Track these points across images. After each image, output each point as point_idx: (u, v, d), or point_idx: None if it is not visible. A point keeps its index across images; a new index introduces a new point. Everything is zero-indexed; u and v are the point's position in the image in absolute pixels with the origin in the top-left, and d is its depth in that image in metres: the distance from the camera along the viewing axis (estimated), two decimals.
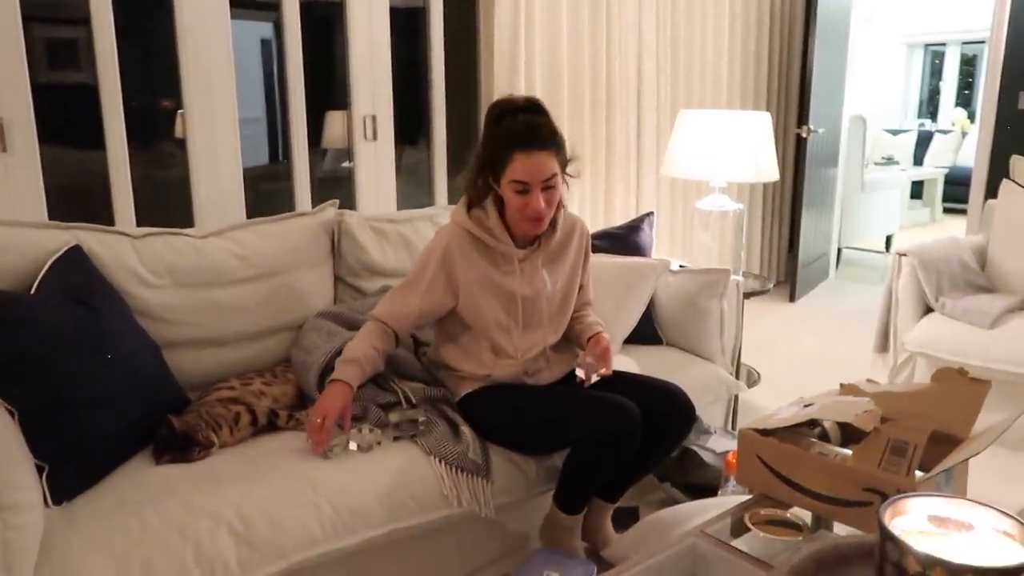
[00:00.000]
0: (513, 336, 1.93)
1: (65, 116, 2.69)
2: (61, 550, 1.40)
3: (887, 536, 0.96)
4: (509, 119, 1.81)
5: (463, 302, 1.90)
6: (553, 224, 1.94)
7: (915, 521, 1.04)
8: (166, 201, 2.90)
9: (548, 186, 1.80)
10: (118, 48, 2.47)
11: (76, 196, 2.73)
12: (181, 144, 2.70)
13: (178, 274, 2.03)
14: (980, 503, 1.03)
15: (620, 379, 2.00)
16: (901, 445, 1.29)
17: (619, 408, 1.74)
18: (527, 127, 1.79)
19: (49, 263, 1.81)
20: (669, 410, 1.89)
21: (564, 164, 1.86)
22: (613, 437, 1.72)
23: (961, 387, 1.46)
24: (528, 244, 1.94)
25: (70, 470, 1.55)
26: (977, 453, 1.26)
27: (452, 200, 3.38)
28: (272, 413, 1.88)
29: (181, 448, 1.70)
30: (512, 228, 1.90)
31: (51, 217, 2.36)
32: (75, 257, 1.86)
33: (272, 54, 3.31)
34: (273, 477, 1.66)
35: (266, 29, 3.33)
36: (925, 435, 1.29)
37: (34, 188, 2.34)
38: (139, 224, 2.57)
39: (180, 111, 2.67)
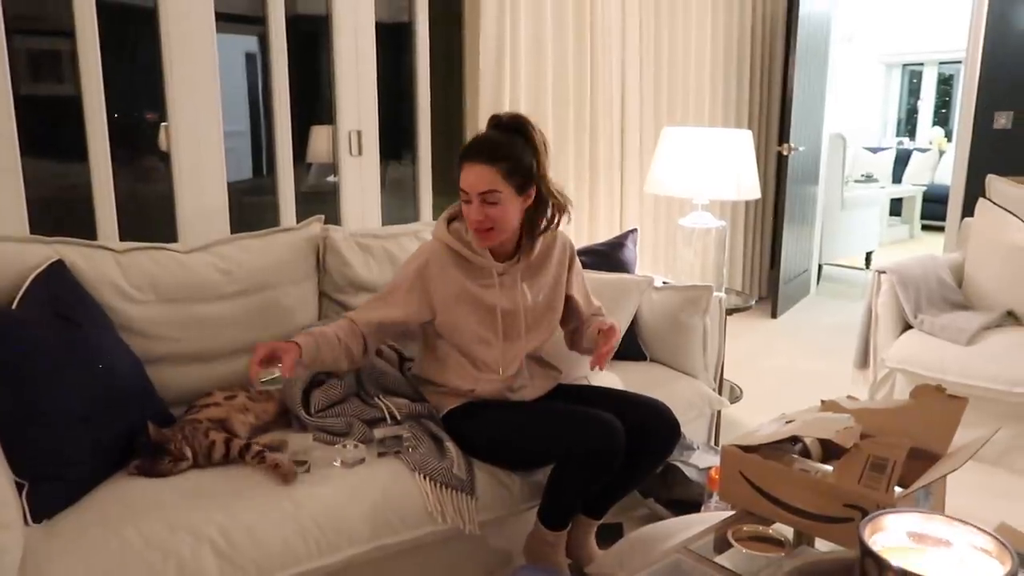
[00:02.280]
0: (494, 349, 1.94)
1: (48, 128, 2.67)
2: (41, 569, 1.38)
3: (867, 552, 0.97)
4: (473, 139, 1.88)
5: (441, 317, 1.91)
6: (531, 237, 1.95)
7: (894, 537, 1.05)
8: (150, 215, 2.89)
9: (489, 201, 1.81)
10: (102, 60, 2.46)
11: (58, 209, 2.70)
12: (165, 157, 2.70)
13: (162, 289, 2.02)
14: (958, 520, 1.04)
15: (604, 395, 2.01)
16: (880, 461, 1.31)
17: (602, 424, 1.75)
18: (476, 140, 1.86)
19: (31, 278, 1.80)
20: (654, 426, 1.91)
21: (520, 184, 1.84)
22: (596, 453, 1.73)
23: (939, 404, 1.48)
24: (507, 258, 1.96)
25: (50, 487, 1.54)
26: (955, 469, 1.28)
27: (437, 216, 3.39)
28: (243, 447, 1.80)
29: (151, 457, 1.67)
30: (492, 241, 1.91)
31: (33, 231, 2.34)
32: (57, 272, 1.85)
33: (257, 68, 3.31)
34: (256, 494, 1.65)
35: (251, 43, 3.33)
36: (904, 451, 1.31)
37: (16, 201, 2.33)
38: (122, 238, 2.55)
39: (164, 124, 2.66)
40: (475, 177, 1.80)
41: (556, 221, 1.97)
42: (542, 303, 2.00)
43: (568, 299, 2.08)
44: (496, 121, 1.88)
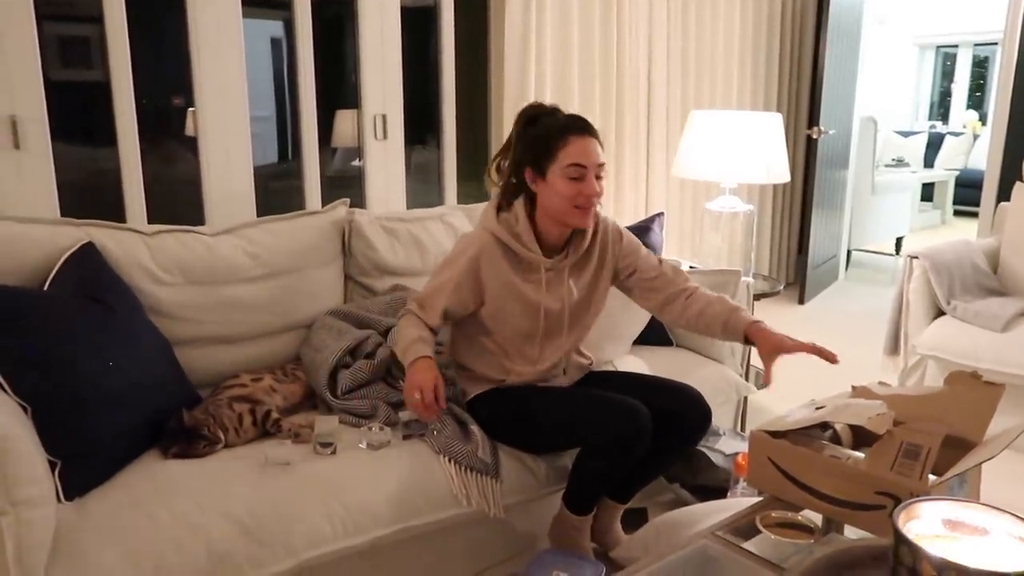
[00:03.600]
0: (534, 344, 1.92)
1: (78, 113, 2.70)
2: (73, 546, 1.41)
3: (901, 540, 0.96)
4: (547, 119, 1.83)
5: (488, 307, 1.89)
6: (584, 232, 1.92)
7: (929, 525, 1.03)
8: (177, 199, 2.91)
9: (598, 175, 1.81)
10: (131, 46, 2.47)
11: (88, 193, 2.74)
12: (192, 142, 2.71)
13: (190, 272, 2.04)
14: (994, 507, 1.02)
15: (631, 380, 2.00)
16: (914, 448, 1.28)
17: (629, 410, 1.74)
18: (577, 117, 1.84)
19: (62, 260, 1.82)
20: (683, 412, 1.88)
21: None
22: (622, 439, 1.72)
23: (974, 391, 1.45)
24: (556, 252, 1.92)
25: (82, 466, 1.56)
26: (991, 457, 1.26)
27: (462, 200, 3.38)
28: (265, 415, 1.86)
29: (187, 441, 1.70)
30: (549, 228, 1.87)
31: (63, 214, 2.37)
32: (88, 254, 1.87)
33: (283, 52, 3.32)
34: (283, 475, 1.66)
35: (276, 28, 3.34)
36: (939, 439, 1.28)
37: (47, 185, 2.35)
38: (150, 222, 2.57)
39: (191, 109, 2.68)
40: (592, 149, 1.80)
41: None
42: (585, 298, 1.96)
43: (633, 275, 1.98)
44: (554, 108, 1.87)
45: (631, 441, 1.72)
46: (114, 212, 2.54)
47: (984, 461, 1.28)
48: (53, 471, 1.51)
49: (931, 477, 1.27)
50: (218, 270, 2.08)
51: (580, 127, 1.80)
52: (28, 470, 1.35)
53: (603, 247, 1.97)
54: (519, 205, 1.87)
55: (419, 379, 1.74)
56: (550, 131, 1.81)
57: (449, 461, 1.79)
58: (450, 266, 1.87)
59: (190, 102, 2.67)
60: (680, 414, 1.88)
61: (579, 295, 1.94)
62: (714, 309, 1.92)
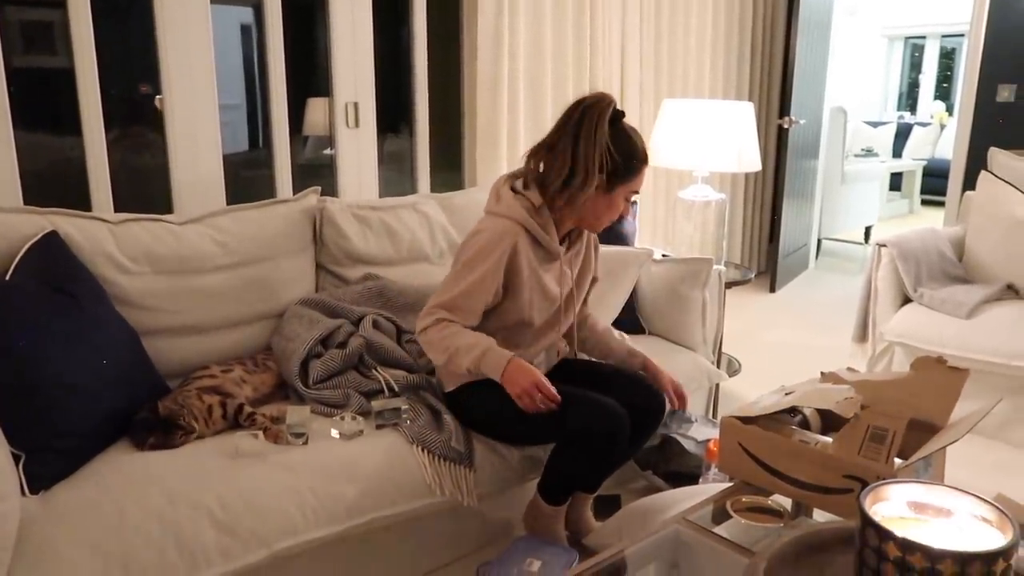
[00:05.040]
0: (529, 335, 1.92)
1: (41, 100, 2.64)
2: (39, 540, 1.38)
3: (867, 522, 0.97)
4: (631, 133, 1.83)
5: (516, 297, 1.84)
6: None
7: (895, 507, 1.05)
8: (145, 187, 2.86)
9: None
10: (95, 32, 2.42)
11: (52, 182, 2.68)
12: (160, 130, 2.66)
13: (157, 261, 2.00)
14: (958, 489, 1.04)
15: (592, 370, 2.01)
16: (880, 432, 1.30)
17: (607, 411, 1.74)
18: (644, 143, 1.86)
19: (24, 248, 1.78)
20: (639, 405, 1.90)
21: None
22: (601, 438, 1.73)
23: (940, 376, 1.47)
24: (561, 242, 1.93)
25: (47, 458, 1.53)
26: (955, 440, 1.28)
27: (435, 188, 3.37)
28: (238, 409, 1.84)
29: (164, 432, 1.68)
30: (564, 223, 1.88)
31: (27, 203, 2.32)
32: (51, 243, 1.83)
33: (252, 40, 3.27)
34: (254, 466, 1.64)
35: (246, 14, 3.29)
36: (904, 422, 1.30)
37: (9, 173, 2.30)
38: (117, 211, 2.53)
39: (159, 96, 2.63)
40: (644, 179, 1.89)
41: None
42: (577, 288, 2.00)
43: (593, 281, 2.08)
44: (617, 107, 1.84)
45: (609, 441, 1.73)
46: (79, 201, 2.49)
47: (948, 444, 1.30)
48: (17, 464, 1.48)
49: (897, 460, 1.29)
50: (186, 259, 2.05)
51: (646, 157, 1.87)
52: None
53: (588, 244, 2.03)
54: (534, 194, 1.82)
55: (529, 378, 1.71)
56: (637, 154, 1.82)
57: (422, 450, 1.79)
58: (479, 263, 1.77)
59: (157, 89, 2.62)
60: (637, 406, 1.89)
61: (574, 284, 1.98)
62: (615, 339, 2.12)
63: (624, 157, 1.79)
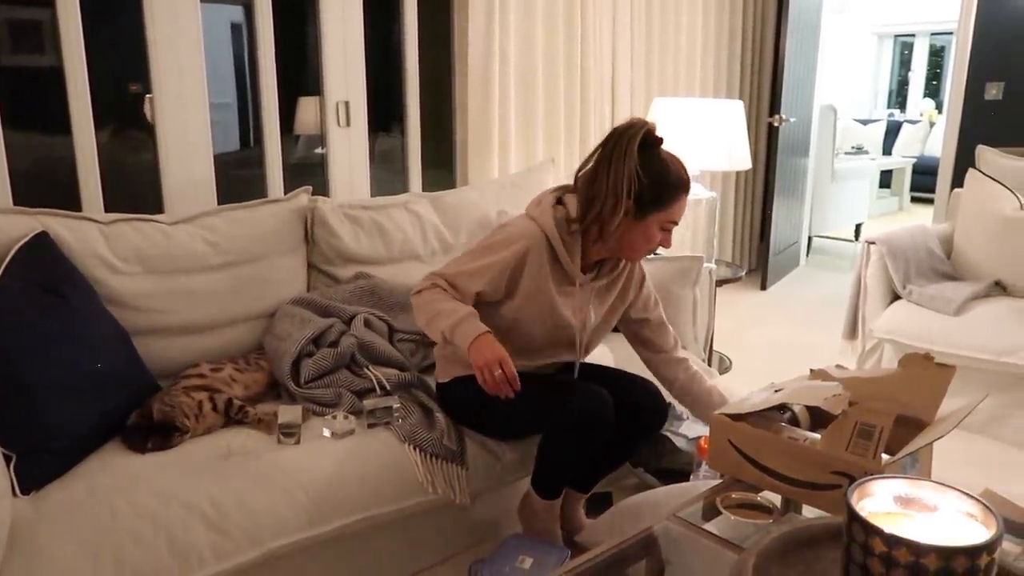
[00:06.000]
0: (535, 347, 1.90)
1: (30, 100, 2.63)
2: (31, 540, 1.38)
3: (854, 517, 0.98)
4: (658, 151, 1.77)
5: (512, 304, 1.83)
6: (618, 260, 1.92)
7: (882, 503, 1.06)
8: (135, 187, 2.86)
9: None
10: (84, 30, 2.41)
11: (42, 181, 2.67)
12: (150, 129, 2.66)
13: (148, 261, 2.00)
14: (944, 485, 1.05)
15: (595, 371, 2.01)
16: (868, 428, 1.32)
17: (590, 395, 1.75)
18: (687, 171, 1.80)
19: (14, 249, 1.78)
20: (643, 405, 1.90)
21: None
22: (585, 422, 1.73)
23: (927, 372, 1.49)
24: (588, 270, 1.89)
25: (38, 459, 1.53)
26: (941, 436, 1.29)
27: (427, 187, 3.37)
28: (228, 403, 1.85)
29: (161, 435, 1.68)
30: (595, 249, 1.84)
31: (16, 203, 2.31)
32: (42, 243, 1.83)
33: (243, 38, 3.26)
34: (246, 465, 1.65)
35: (236, 13, 3.28)
36: (891, 418, 1.31)
37: None
38: (107, 211, 2.52)
39: (149, 95, 2.62)
40: (684, 208, 1.82)
41: None
42: (600, 326, 1.95)
43: (643, 322, 2.01)
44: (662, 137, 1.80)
45: (594, 426, 1.74)
46: (69, 201, 2.49)
47: (935, 440, 1.32)
48: (8, 465, 1.48)
49: (884, 456, 1.30)
50: (177, 259, 2.05)
51: (688, 187, 1.80)
52: None
53: (627, 282, 1.96)
54: (571, 209, 1.80)
55: (495, 353, 1.65)
56: (669, 180, 1.76)
57: (414, 449, 1.79)
58: (493, 251, 1.78)
59: (147, 88, 2.62)
60: (639, 408, 1.89)
61: (596, 321, 1.93)
62: (716, 402, 1.96)
63: (654, 181, 1.74)
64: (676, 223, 1.81)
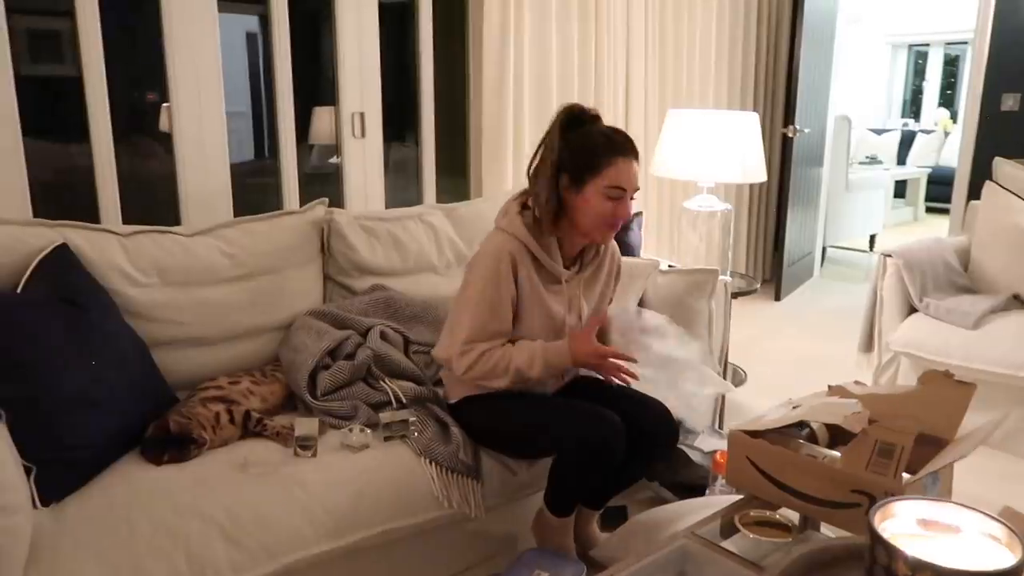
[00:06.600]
0: None
1: (49, 109, 2.65)
2: (51, 552, 1.39)
3: (877, 540, 0.97)
4: (592, 127, 1.80)
5: (516, 312, 1.84)
6: (598, 247, 1.93)
7: (904, 524, 1.06)
8: (151, 196, 2.88)
9: (632, 197, 1.81)
10: (103, 40, 2.43)
11: (60, 191, 2.70)
12: (167, 139, 2.68)
13: (166, 273, 2.02)
14: (967, 506, 1.04)
15: (607, 392, 2.00)
16: (888, 447, 1.31)
17: (601, 419, 1.74)
18: (624, 136, 1.80)
19: (35, 262, 1.79)
20: (653, 428, 1.88)
21: None
22: (594, 447, 1.72)
23: (947, 390, 1.48)
24: (570, 264, 1.91)
25: (58, 471, 1.54)
26: (964, 455, 1.28)
27: (441, 196, 3.38)
28: (246, 415, 1.86)
29: (178, 448, 1.69)
30: (569, 239, 1.86)
31: (35, 212, 2.33)
32: (62, 255, 1.84)
33: (258, 48, 3.29)
34: (263, 478, 1.65)
35: (251, 22, 3.31)
36: (912, 437, 1.31)
37: (19, 182, 2.31)
38: (124, 220, 2.54)
39: (166, 104, 2.65)
40: (635, 173, 1.79)
41: None
42: (593, 315, 1.96)
43: (608, 302, 2.05)
44: (595, 115, 1.83)
45: (605, 451, 1.73)
46: (87, 210, 2.51)
47: (956, 460, 1.31)
48: (28, 476, 1.49)
49: (905, 475, 1.29)
50: (195, 271, 2.06)
51: (627, 149, 1.78)
52: (3, 476, 1.33)
53: (610, 270, 2.00)
54: (543, 211, 1.81)
55: (590, 348, 1.76)
56: (598, 145, 1.77)
57: (430, 463, 1.79)
58: (490, 283, 1.78)
59: (164, 97, 2.64)
60: (649, 430, 1.87)
61: (590, 311, 1.95)
62: None
63: (582, 149, 1.77)
64: (623, 188, 1.77)
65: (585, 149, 1.77)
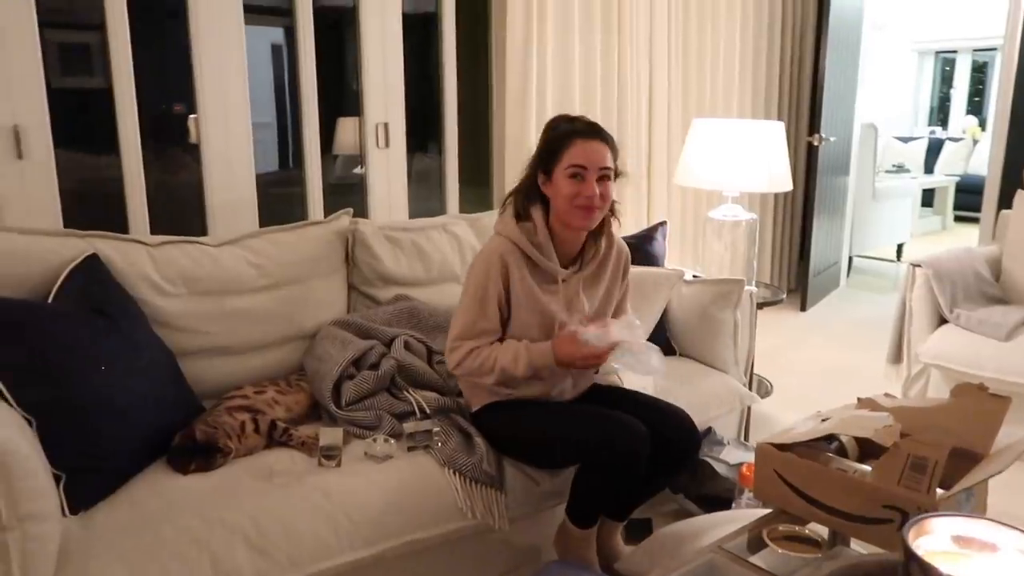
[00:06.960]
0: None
1: (79, 121, 2.69)
2: (79, 560, 1.40)
3: (912, 557, 0.95)
4: (566, 124, 1.85)
5: (512, 313, 1.87)
6: (597, 239, 1.93)
7: (939, 541, 1.03)
8: (179, 206, 2.91)
9: (603, 176, 1.81)
10: (132, 52, 2.47)
11: (90, 201, 2.74)
12: (194, 149, 2.71)
13: (194, 283, 2.04)
14: (1003, 523, 1.02)
15: (630, 399, 1.99)
16: (921, 462, 1.28)
17: (625, 427, 1.73)
18: (587, 122, 1.86)
19: (66, 272, 1.82)
20: (674, 435, 1.87)
21: (616, 171, 1.86)
22: (620, 457, 1.71)
23: (981, 403, 1.45)
24: (570, 263, 1.92)
25: (87, 479, 1.56)
26: (1001, 471, 1.26)
27: (464, 206, 3.39)
28: (271, 425, 1.87)
29: (204, 457, 1.70)
30: (559, 230, 1.87)
31: (65, 222, 2.37)
32: (92, 266, 1.87)
33: (283, 60, 3.32)
34: (288, 488, 1.66)
35: (277, 34, 3.34)
36: (945, 451, 1.28)
37: (50, 193, 2.35)
38: (152, 230, 2.57)
39: (193, 116, 2.68)
40: (595, 152, 1.80)
41: (609, 223, 1.96)
42: (597, 313, 1.96)
43: (616, 308, 2.04)
44: (579, 117, 1.89)
45: (630, 460, 1.72)
46: (116, 220, 2.54)
47: (993, 475, 1.28)
48: (58, 484, 1.50)
49: (938, 491, 1.26)
50: (222, 281, 2.08)
51: (587, 131, 1.82)
52: (33, 484, 1.35)
53: (615, 267, 1.99)
54: (537, 213, 1.87)
55: (571, 350, 1.78)
56: (561, 134, 1.83)
57: (454, 473, 1.79)
58: (481, 284, 1.84)
59: (192, 109, 2.67)
60: (670, 437, 1.86)
61: (589, 310, 1.94)
62: None
63: (549, 143, 1.85)
64: (582, 167, 1.79)
65: (550, 141, 1.85)
